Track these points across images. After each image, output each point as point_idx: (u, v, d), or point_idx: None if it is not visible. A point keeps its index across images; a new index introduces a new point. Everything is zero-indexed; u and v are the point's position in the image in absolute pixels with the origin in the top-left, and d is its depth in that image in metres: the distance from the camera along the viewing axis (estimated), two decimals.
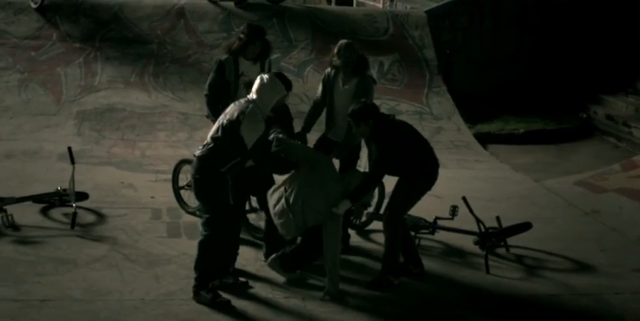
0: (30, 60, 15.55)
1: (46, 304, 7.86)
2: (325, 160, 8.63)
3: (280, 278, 8.69)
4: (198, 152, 8.03)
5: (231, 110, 7.96)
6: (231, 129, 7.81)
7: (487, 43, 18.02)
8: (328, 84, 9.40)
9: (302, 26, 16.64)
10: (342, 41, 9.46)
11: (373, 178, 8.58)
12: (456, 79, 16.97)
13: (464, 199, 9.60)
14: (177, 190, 10.63)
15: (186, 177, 10.31)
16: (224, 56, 9.40)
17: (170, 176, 10.67)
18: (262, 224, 9.39)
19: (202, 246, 8.06)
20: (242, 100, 8.01)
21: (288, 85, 8.10)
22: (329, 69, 9.49)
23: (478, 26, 18.03)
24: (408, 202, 8.74)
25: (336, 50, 9.30)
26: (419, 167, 8.65)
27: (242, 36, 9.46)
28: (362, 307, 8.22)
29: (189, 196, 10.43)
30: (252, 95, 7.95)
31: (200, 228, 8.16)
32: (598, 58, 17.97)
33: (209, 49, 16.10)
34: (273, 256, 8.68)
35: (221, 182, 7.95)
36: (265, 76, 8.03)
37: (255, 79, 8.86)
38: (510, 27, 18.18)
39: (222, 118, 7.96)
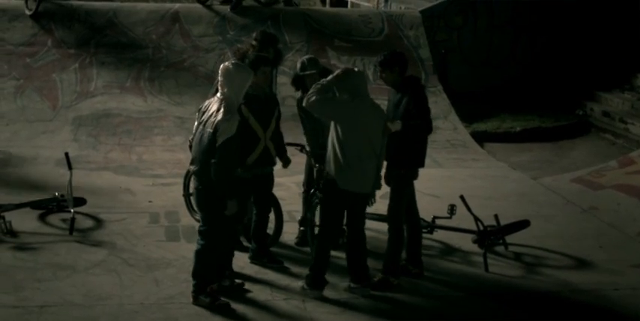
0: (25, 66, 15.54)
1: (45, 310, 7.86)
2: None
3: (280, 280, 8.70)
4: (192, 168, 8.08)
5: (207, 117, 7.87)
6: (211, 139, 7.76)
7: (482, 42, 18.02)
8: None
9: (297, 28, 16.63)
10: (304, 57, 9.72)
11: (425, 122, 8.52)
12: (451, 78, 17.00)
13: (462, 197, 9.60)
14: (187, 196, 10.46)
15: None
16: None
17: (167, 180, 10.65)
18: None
19: (199, 255, 8.07)
20: (214, 103, 7.89)
21: (265, 61, 8.45)
22: None
23: (473, 25, 18.03)
24: (404, 194, 8.74)
25: (299, 65, 9.56)
26: (421, 144, 8.68)
27: (254, 43, 9.54)
28: (361, 307, 8.22)
29: None
30: (223, 89, 7.88)
31: (197, 236, 8.15)
32: (593, 55, 17.97)
33: (204, 52, 16.11)
34: (301, 284, 8.54)
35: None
36: (227, 64, 7.97)
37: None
38: (505, 26, 18.18)
39: (201, 128, 7.89)
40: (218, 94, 7.95)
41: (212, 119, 7.79)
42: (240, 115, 8.13)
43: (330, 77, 8.32)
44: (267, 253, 9.17)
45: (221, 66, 8.02)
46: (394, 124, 8.41)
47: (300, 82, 9.54)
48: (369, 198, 8.51)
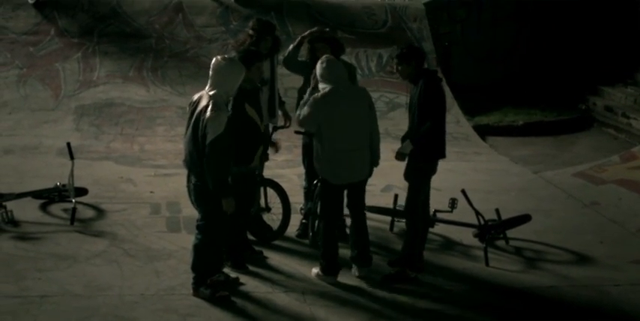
0: (28, 55, 15.55)
1: (46, 300, 7.86)
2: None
3: (281, 273, 8.72)
4: (185, 165, 8.06)
5: (197, 113, 7.69)
6: (202, 137, 7.64)
7: (485, 35, 18.01)
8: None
9: (300, 19, 16.63)
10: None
11: (434, 121, 8.43)
12: (454, 71, 17.00)
13: (463, 191, 9.60)
14: (190, 187, 10.42)
15: None
16: (234, 54, 8.92)
17: (169, 171, 10.62)
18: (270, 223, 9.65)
19: (197, 249, 8.06)
20: (204, 98, 7.69)
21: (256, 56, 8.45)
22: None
23: (476, 19, 18.03)
24: (422, 188, 8.74)
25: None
26: (440, 136, 8.63)
27: (252, 32, 9.35)
28: (361, 300, 8.22)
29: None
30: (213, 85, 7.71)
31: (195, 231, 8.14)
32: (597, 49, 17.95)
33: (207, 43, 16.11)
34: (316, 271, 8.65)
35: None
36: (219, 59, 7.81)
37: (267, 75, 8.86)
38: (508, 19, 18.17)
39: (191, 124, 7.73)
40: (207, 89, 7.77)
41: (201, 116, 7.61)
42: (242, 111, 8.10)
43: (308, 91, 8.49)
44: (248, 245, 9.13)
45: (213, 60, 7.85)
46: (404, 147, 8.48)
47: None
48: (365, 182, 8.67)
